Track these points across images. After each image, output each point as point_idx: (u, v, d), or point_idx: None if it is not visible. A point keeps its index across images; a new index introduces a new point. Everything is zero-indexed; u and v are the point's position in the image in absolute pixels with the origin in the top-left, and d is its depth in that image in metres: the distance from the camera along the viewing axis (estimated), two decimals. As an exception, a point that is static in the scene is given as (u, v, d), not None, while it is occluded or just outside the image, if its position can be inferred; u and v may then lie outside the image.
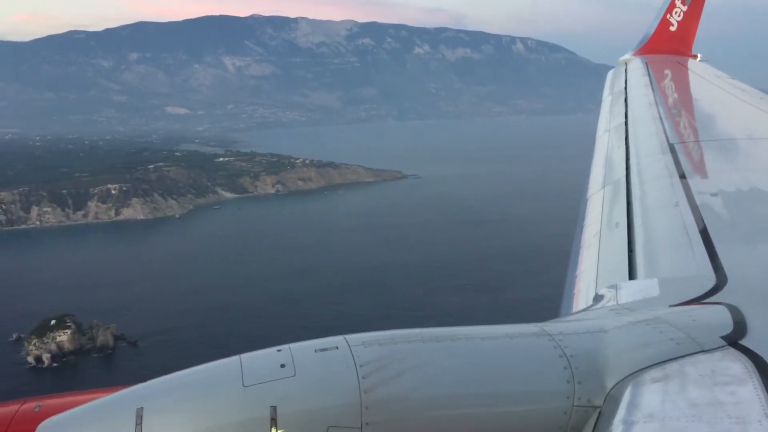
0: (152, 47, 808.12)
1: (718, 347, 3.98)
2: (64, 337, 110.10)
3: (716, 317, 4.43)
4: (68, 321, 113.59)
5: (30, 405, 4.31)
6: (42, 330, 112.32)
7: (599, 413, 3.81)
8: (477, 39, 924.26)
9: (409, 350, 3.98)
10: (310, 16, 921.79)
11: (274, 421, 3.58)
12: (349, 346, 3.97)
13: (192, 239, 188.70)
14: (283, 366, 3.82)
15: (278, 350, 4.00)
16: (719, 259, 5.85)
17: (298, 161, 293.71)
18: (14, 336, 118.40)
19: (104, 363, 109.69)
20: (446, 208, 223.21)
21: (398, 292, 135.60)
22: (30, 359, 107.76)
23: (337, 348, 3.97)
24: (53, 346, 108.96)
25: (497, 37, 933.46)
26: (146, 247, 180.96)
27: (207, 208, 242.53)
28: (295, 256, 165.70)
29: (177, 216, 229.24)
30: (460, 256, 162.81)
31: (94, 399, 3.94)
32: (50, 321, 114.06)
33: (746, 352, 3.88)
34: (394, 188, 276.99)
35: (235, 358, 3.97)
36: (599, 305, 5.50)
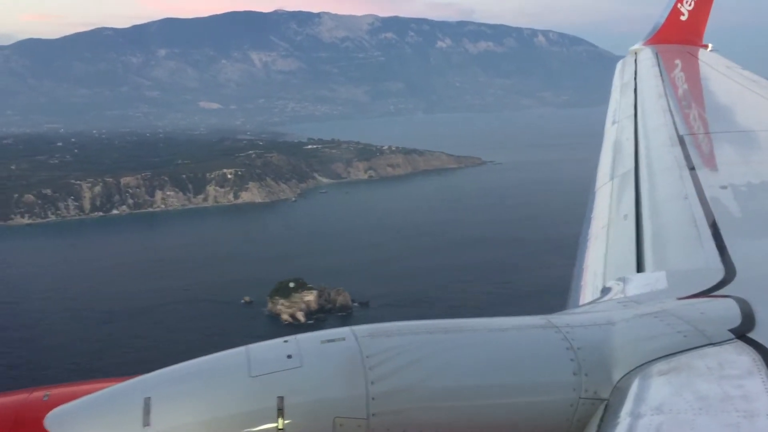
0: (180, 43, 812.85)
1: (726, 340, 3.95)
2: (310, 297, 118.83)
3: (724, 310, 4.40)
4: (309, 284, 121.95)
5: (38, 394, 4.25)
6: (284, 292, 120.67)
7: (606, 405, 3.80)
8: (499, 32, 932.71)
9: (415, 342, 3.99)
10: (333, 11, 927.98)
11: (281, 412, 3.60)
12: (356, 338, 3.99)
13: (332, 218, 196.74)
14: (289, 357, 3.83)
15: (285, 341, 4.03)
16: (728, 252, 5.88)
17: (384, 148, 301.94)
18: (245, 299, 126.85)
19: (346, 321, 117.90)
20: (550, 189, 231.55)
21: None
22: (285, 317, 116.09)
23: (343, 339, 3.99)
24: (302, 306, 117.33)
25: (519, 30, 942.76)
26: (295, 225, 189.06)
27: (314, 192, 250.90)
28: (445, 230, 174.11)
29: (293, 199, 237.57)
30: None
31: (102, 388, 3.97)
32: (287, 284, 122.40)
33: (754, 345, 3.87)
34: (480, 173, 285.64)
35: (242, 349, 4.00)
36: (606, 298, 5.58)
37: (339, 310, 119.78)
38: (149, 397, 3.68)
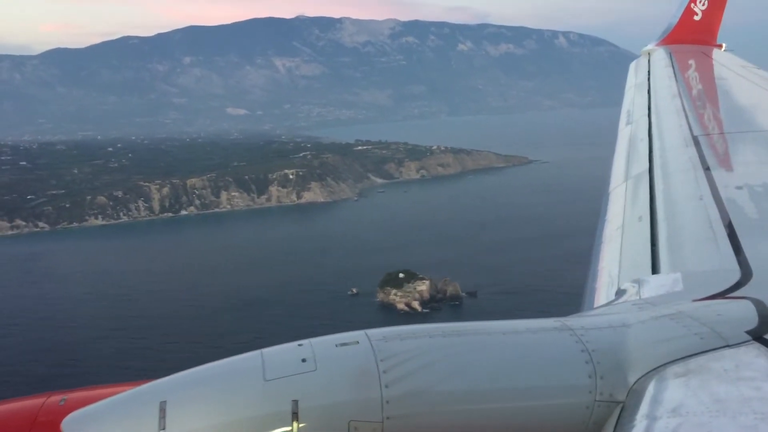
0: (204, 51, 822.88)
1: (743, 342, 3.92)
2: (423, 287, 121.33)
3: (741, 312, 4.38)
4: (419, 274, 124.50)
5: (55, 398, 4.35)
6: (395, 282, 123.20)
7: (622, 408, 3.78)
8: (519, 34, 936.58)
9: (429, 345, 3.98)
10: (354, 16, 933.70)
11: (295, 415, 3.61)
12: (370, 341, 3.99)
13: (402, 215, 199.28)
14: (304, 360, 3.84)
15: (299, 345, 4.04)
16: (744, 253, 5.86)
17: (434, 148, 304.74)
18: (353, 290, 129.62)
19: (458, 311, 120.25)
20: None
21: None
22: (401, 306, 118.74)
23: (357, 343, 4.00)
24: (416, 295, 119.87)
25: (539, 32, 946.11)
26: (369, 222, 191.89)
27: (372, 191, 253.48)
28: (522, 225, 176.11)
29: (355, 198, 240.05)
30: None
31: (118, 392, 4.01)
32: (397, 274, 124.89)
33: None
34: (530, 171, 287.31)
35: (256, 353, 4.01)
36: (622, 300, 5.58)
37: (450, 300, 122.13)
38: (165, 401, 3.69)
